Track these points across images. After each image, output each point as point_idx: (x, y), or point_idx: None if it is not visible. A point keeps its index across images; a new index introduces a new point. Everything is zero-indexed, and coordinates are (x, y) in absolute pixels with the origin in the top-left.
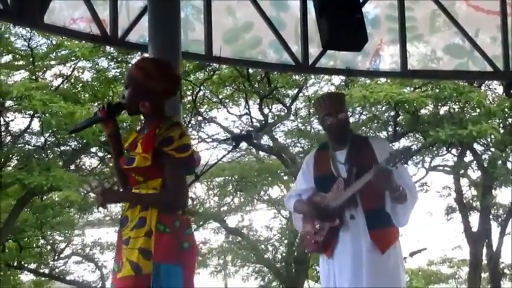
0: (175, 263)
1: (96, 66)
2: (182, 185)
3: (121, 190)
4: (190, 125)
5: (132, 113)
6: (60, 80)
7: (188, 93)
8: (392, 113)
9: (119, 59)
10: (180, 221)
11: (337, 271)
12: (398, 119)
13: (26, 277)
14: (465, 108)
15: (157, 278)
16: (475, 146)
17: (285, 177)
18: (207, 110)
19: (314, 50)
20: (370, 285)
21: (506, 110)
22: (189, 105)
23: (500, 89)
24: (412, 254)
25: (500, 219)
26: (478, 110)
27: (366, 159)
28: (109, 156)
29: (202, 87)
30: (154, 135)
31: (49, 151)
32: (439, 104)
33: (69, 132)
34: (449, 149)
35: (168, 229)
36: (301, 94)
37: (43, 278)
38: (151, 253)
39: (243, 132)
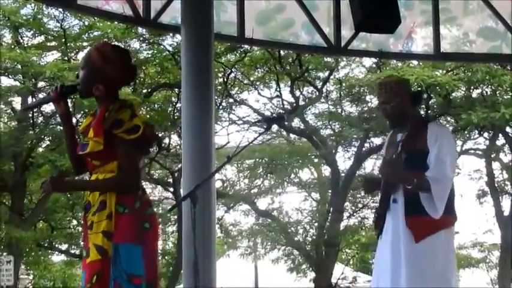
0: (134, 243)
1: (128, 47)
2: (134, 165)
3: (71, 178)
4: (221, 107)
5: (85, 95)
6: None
7: (219, 75)
8: (424, 96)
9: (151, 41)
10: (140, 202)
11: (379, 253)
12: (430, 102)
13: (57, 257)
14: (498, 91)
15: (117, 258)
16: (507, 129)
17: (316, 160)
18: (238, 92)
19: (346, 32)
20: (408, 276)
21: None
22: (220, 87)
23: None
24: None
25: None
26: (510, 93)
27: (417, 144)
28: None
29: (233, 69)
30: (103, 118)
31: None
32: (472, 87)
33: (22, 110)
34: (481, 132)
35: (127, 209)
36: (332, 76)
37: (74, 259)
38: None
39: (274, 114)
